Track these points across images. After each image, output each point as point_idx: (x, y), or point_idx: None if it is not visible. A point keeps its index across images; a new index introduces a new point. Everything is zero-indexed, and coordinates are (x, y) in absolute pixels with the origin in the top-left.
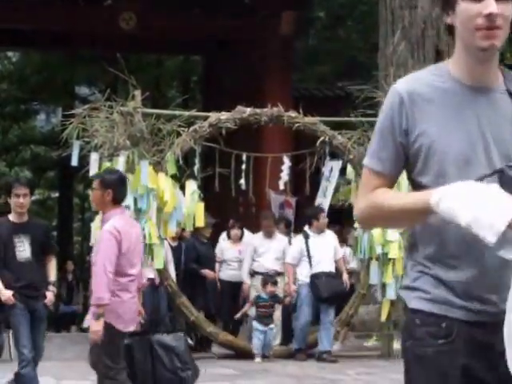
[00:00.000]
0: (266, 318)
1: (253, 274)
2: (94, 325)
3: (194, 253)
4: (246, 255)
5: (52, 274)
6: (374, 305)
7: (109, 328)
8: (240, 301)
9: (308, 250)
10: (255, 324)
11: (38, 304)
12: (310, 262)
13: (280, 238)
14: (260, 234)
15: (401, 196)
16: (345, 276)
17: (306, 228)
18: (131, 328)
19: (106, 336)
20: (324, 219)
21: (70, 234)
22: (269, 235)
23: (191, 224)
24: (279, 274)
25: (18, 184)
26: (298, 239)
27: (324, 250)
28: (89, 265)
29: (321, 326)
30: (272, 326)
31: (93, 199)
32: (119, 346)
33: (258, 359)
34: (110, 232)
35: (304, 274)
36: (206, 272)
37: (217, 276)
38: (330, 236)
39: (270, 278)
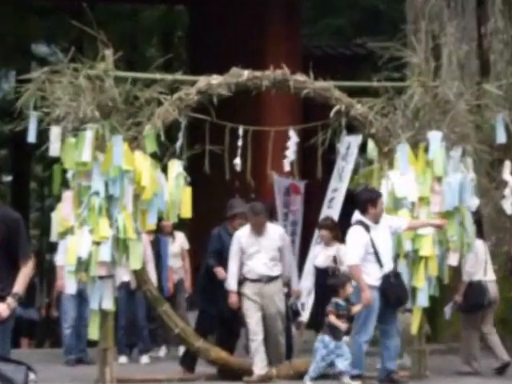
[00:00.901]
0: (342, 330)
1: (242, 280)
2: None
3: (218, 244)
4: (230, 257)
5: (18, 284)
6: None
7: None
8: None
9: (374, 246)
10: (326, 339)
11: None
12: (378, 260)
13: (272, 231)
14: (247, 230)
15: None
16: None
17: (361, 217)
18: None
19: None
20: (382, 205)
21: (26, 226)
22: (259, 233)
23: (175, 214)
24: (272, 278)
25: None
26: (359, 231)
27: (387, 244)
28: (50, 265)
29: (388, 339)
30: (347, 338)
31: None
32: None
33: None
34: None
35: (374, 277)
36: (217, 270)
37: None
38: (386, 224)
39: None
